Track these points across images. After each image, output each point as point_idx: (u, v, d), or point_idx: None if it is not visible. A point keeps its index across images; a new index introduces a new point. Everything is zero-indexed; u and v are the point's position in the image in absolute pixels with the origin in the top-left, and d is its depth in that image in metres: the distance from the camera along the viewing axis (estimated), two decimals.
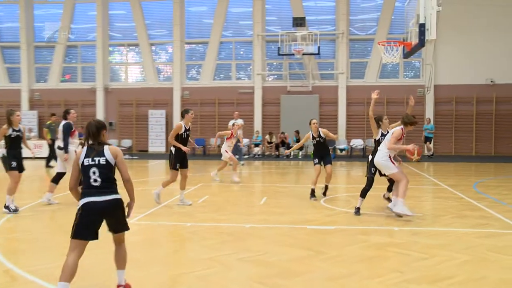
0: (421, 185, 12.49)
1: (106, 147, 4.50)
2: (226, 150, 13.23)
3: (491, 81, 23.82)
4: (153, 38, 26.66)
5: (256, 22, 25.40)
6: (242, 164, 18.11)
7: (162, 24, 26.62)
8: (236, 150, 18.46)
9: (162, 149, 25.55)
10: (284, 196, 10.77)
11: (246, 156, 22.27)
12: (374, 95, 9.33)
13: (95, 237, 4.36)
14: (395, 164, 8.33)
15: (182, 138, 9.12)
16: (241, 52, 26.74)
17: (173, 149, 9.15)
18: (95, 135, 4.49)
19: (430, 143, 22.35)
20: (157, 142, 25.61)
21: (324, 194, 10.35)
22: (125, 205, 4.48)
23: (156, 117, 25.74)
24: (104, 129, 4.55)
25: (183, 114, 9.21)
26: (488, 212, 8.61)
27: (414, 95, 24.20)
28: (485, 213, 8.60)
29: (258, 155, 22.62)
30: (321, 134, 10.28)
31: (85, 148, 4.51)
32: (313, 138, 10.31)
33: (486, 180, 13.70)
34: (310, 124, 10.35)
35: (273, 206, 9.36)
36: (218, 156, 23.04)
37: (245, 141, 22.78)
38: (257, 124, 25.05)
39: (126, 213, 4.50)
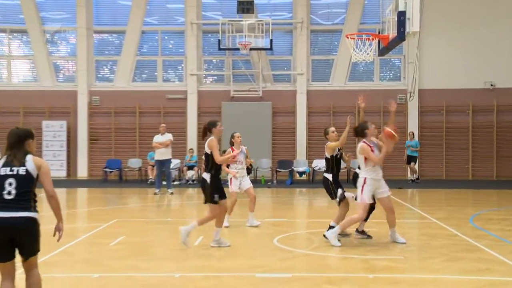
0: (402, 219, 12.72)
1: (29, 157, 5.14)
2: (232, 178, 11.81)
3: (491, 85, 24.71)
4: (48, 23, 26.12)
5: (190, 6, 25.44)
6: (171, 193, 17.98)
7: (61, 4, 26.17)
8: (161, 172, 18.29)
9: (62, 173, 24.89)
10: (226, 235, 10.70)
11: (176, 182, 22.10)
12: (361, 102, 10.18)
13: (10, 257, 5.02)
14: (363, 194, 9.10)
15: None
16: (170, 46, 26.60)
17: (207, 176, 9.06)
18: (15, 145, 5.14)
19: (415, 164, 22.82)
20: (55, 164, 24.91)
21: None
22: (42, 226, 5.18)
23: (53, 130, 25.13)
24: (29, 138, 5.25)
25: (209, 129, 9.22)
26: (489, 254, 8.84)
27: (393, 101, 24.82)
28: (485, 254, 8.83)
29: (193, 180, 22.47)
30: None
31: (4, 157, 5.14)
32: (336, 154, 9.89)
33: (486, 212, 14.11)
34: (327, 134, 9.97)
35: (212, 248, 9.29)
36: (139, 183, 22.90)
37: (176, 162, 22.60)
38: (191, 141, 24.92)
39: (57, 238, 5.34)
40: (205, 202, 9.22)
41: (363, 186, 9.20)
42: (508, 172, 24.53)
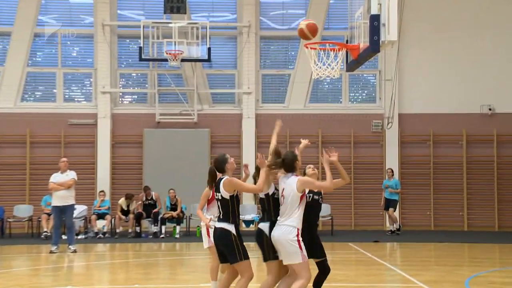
0: (379, 282, 12.78)
1: None
2: (208, 230, 10.97)
3: (490, 109, 25.26)
4: None
5: (100, 3, 25.31)
6: (74, 251, 17.67)
7: None
8: (60, 223, 17.98)
9: None
10: None
11: (81, 236, 21.84)
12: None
13: None
14: (303, 251, 8.59)
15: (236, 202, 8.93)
16: (74, 53, 26.42)
17: (232, 228, 8.77)
18: None
19: (394, 210, 22.89)
20: None
21: None
22: None
23: None
24: None
25: (222, 168, 9.08)
26: None
27: (367, 129, 25.17)
28: None
29: (104, 233, 22.16)
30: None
31: None
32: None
33: (486, 273, 14.23)
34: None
35: None
36: (28, 238, 22.37)
37: (81, 209, 22.29)
38: (103, 180, 24.64)
39: None
40: (231, 262, 8.82)
41: (299, 241, 8.84)
42: None
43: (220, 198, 8.89)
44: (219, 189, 8.88)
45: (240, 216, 22.55)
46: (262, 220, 9.18)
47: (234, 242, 8.73)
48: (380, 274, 14.24)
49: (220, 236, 8.83)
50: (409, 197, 25.11)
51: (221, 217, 8.90)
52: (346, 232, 23.41)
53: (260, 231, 9.01)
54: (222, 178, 8.91)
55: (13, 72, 25.30)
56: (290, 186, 8.75)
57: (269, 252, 8.94)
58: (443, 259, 17.36)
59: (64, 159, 18.78)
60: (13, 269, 16.02)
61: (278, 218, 8.78)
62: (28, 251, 19.07)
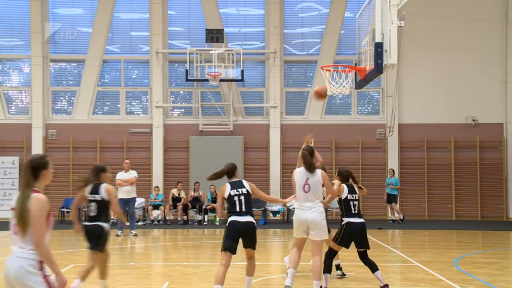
0: (383, 262, 12.77)
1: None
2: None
3: (473, 120, 25.18)
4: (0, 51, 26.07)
5: (155, 34, 25.57)
6: (135, 235, 17.83)
7: (13, 29, 25.96)
8: (124, 212, 18.13)
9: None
10: (195, 281, 10.62)
11: (140, 223, 22.01)
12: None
13: None
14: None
15: None
16: (134, 76, 26.62)
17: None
18: None
19: (396, 204, 22.97)
20: (6, 204, 24.55)
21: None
22: None
23: (4, 167, 24.81)
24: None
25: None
26: None
27: (372, 137, 25.13)
28: None
29: (158, 221, 22.32)
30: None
31: None
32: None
33: (471, 255, 14.26)
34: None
35: None
36: None
37: (140, 201, 22.47)
38: (157, 178, 24.79)
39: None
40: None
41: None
42: (492, 212, 24.90)
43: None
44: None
45: (267, 207, 22.96)
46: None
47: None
48: (383, 255, 14.22)
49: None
50: (407, 193, 25.03)
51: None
52: None
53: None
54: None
55: (86, 91, 25.53)
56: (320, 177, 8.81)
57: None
58: (435, 243, 17.32)
59: (127, 161, 19.16)
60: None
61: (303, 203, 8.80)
62: None
